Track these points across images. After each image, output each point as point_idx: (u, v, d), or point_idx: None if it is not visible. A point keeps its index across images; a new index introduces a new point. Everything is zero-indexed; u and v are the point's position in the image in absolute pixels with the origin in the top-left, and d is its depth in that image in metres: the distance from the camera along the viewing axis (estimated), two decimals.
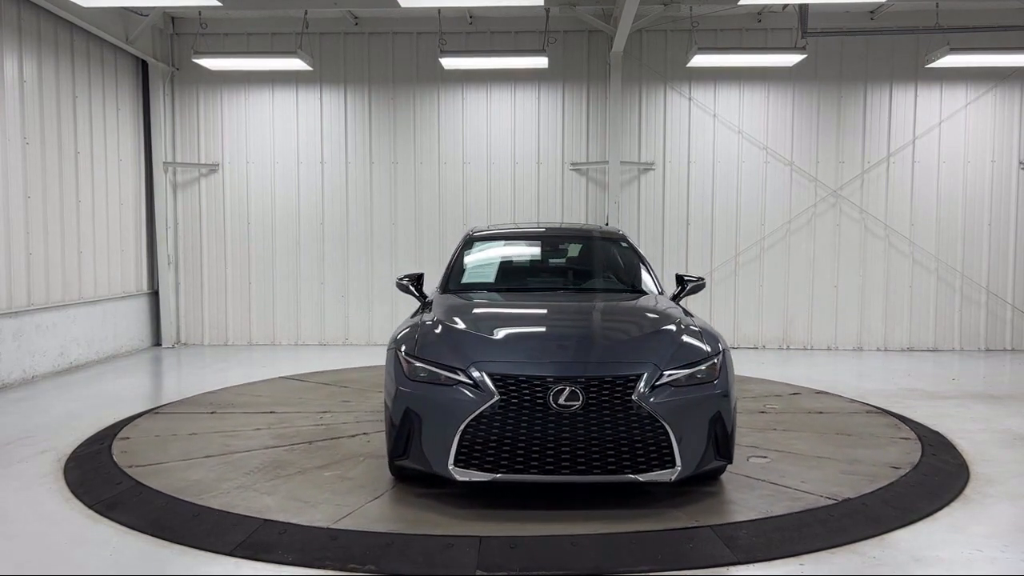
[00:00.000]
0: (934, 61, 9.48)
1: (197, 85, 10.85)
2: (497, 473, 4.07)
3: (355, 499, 4.46)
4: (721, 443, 4.30)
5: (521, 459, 4.05)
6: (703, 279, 5.88)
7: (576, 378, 4.09)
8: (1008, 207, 10.57)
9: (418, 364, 4.33)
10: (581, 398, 4.05)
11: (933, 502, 4.44)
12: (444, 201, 10.88)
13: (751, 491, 4.62)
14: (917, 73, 10.44)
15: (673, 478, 4.10)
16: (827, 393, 7.55)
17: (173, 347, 10.80)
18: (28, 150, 8.31)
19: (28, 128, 8.31)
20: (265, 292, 10.99)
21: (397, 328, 5.00)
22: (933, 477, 4.89)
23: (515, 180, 10.83)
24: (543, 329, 4.83)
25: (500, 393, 4.08)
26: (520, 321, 4.96)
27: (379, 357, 9.61)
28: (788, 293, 10.72)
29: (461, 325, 4.65)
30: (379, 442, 5.58)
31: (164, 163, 10.73)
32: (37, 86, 8.46)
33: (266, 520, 4.10)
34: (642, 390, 4.10)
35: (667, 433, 4.06)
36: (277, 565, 3.63)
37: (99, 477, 4.89)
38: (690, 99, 10.64)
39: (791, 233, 10.68)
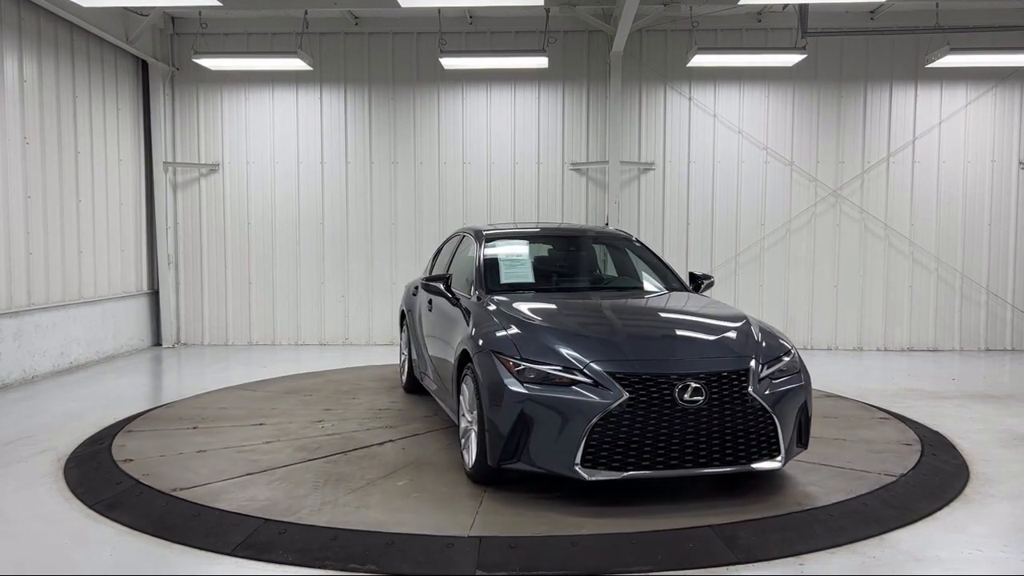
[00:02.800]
0: (934, 61, 9.48)
1: (197, 85, 10.85)
2: (625, 471, 4.09)
3: (460, 506, 4.32)
4: (803, 431, 4.57)
5: (648, 455, 4.09)
6: (712, 276, 6.02)
7: (698, 374, 4.20)
8: (1008, 207, 10.57)
9: (528, 365, 4.27)
10: (704, 393, 4.15)
11: (933, 502, 4.44)
12: (444, 201, 10.88)
13: (818, 473, 4.83)
14: (917, 73, 10.43)
15: (779, 466, 4.33)
16: None
17: (173, 347, 10.80)
18: (28, 150, 8.30)
19: (28, 128, 8.30)
20: (265, 292, 10.99)
21: (471, 331, 4.82)
22: (933, 477, 4.89)
23: (515, 180, 10.82)
24: (642, 327, 4.80)
25: (627, 391, 4.10)
26: (611, 319, 4.89)
27: (376, 357, 9.74)
28: (788, 293, 10.72)
29: (558, 325, 4.60)
30: (417, 449, 5.44)
31: (164, 163, 10.72)
32: (37, 86, 8.46)
33: (267, 520, 4.10)
34: (753, 383, 4.28)
35: (775, 423, 4.28)
36: (277, 565, 3.63)
37: (99, 477, 4.88)
38: (690, 99, 10.64)
39: (791, 233, 10.68)
